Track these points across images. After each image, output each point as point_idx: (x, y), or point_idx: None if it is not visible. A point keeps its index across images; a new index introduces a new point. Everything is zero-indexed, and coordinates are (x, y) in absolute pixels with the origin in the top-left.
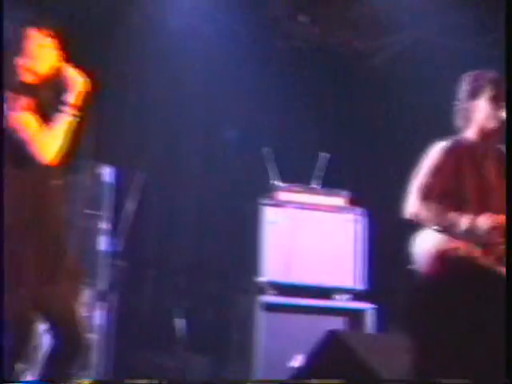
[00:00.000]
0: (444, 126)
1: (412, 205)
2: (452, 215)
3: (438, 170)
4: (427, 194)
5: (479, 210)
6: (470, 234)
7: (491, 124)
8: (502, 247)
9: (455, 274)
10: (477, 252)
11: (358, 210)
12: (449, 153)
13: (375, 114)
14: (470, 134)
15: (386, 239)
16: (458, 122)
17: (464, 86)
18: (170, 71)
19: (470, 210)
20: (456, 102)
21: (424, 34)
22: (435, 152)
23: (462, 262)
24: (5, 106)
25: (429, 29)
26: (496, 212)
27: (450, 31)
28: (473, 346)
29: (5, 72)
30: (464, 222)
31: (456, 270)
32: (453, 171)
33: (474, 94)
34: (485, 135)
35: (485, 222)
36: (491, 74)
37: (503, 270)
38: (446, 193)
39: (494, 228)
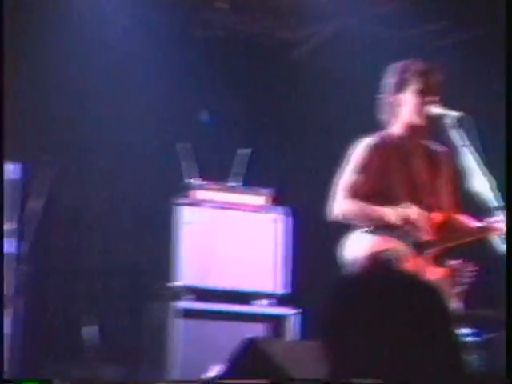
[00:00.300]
0: (370, 121)
1: (338, 205)
2: (379, 209)
3: (363, 168)
4: (353, 193)
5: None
6: (400, 230)
7: (418, 119)
8: (435, 248)
9: (382, 278)
10: (407, 253)
11: (281, 208)
12: (374, 149)
13: (299, 107)
14: (396, 129)
15: (313, 240)
16: (384, 116)
17: (389, 78)
18: (79, 63)
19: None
20: (381, 95)
21: (352, 23)
22: (360, 149)
23: (391, 266)
24: None
25: (357, 17)
26: (427, 209)
27: (381, 20)
28: (397, 354)
29: None
30: (392, 213)
31: (383, 274)
32: (380, 168)
33: (399, 87)
34: (411, 130)
35: (414, 212)
36: (418, 64)
37: (436, 270)
38: (374, 191)
39: (423, 221)
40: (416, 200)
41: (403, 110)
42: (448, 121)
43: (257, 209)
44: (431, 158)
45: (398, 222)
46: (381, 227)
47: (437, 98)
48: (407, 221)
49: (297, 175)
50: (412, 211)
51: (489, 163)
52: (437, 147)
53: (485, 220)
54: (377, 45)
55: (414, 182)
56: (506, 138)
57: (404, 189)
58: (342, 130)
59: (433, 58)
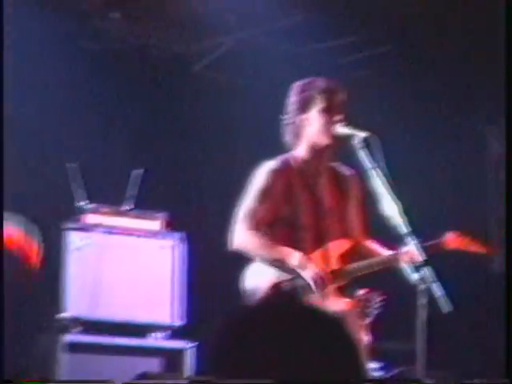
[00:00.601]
0: (276, 142)
1: (239, 236)
2: (281, 250)
3: (265, 195)
4: (255, 223)
5: (316, 236)
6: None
7: (324, 139)
8: (342, 278)
9: (282, 310)
10: (306, 287)
11: (177, 234)
12: (277, 174)
13: (200, 125)
14: (301, 151)
15: (211, 268)
16: (287, 137)
17: (292, 97)
18: None
19: (306, 237)
20: (285, 116)
21: (256, 36)
22: (262, 174)
23: (292, 297)
24: None
25: (261, 30)
26: (333, 236)
27: (286, 34)
28: None
29: None
30: (294, 259)
31: (283, 306)
32: (283, 194)
33: (303, 106)
34: (317, 152)
35: (314, 268)
36: (322, 82)
37: (341, 301)
38: (277, 219)
39: (322, 276)
40: (322, 229)
41: (308, 130)
42: (355, 141)
43: (151, 234)
44: (338, 182)
45: (298, 269)
46: None
47: (343, 117)
48: (307, 271)
49: (194, 198)
50: (313, 269)
51: (399, 185)
52: (344, 170)
53: (395, 247)
54: (282, 60)
55: (320, 208)
56: (507, 140)
57: (309, 215)
58: (245, 151)
59: (337, 75)
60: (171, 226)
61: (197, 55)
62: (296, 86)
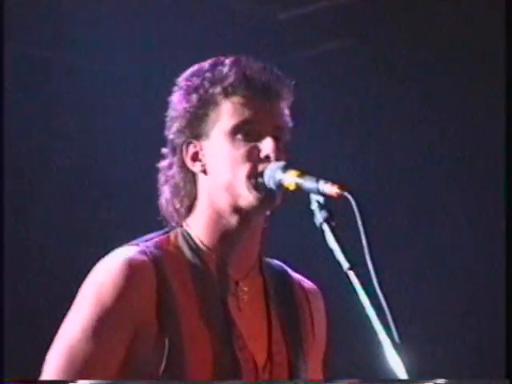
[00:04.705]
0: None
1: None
2: None
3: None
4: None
5: None
6: None
7: (240, 198)
8: None
9: None
10: None
11: None
12: (136, 275)
13: None
14: (195, 226)
15: None
16: (163, 197)
17: (175, 105)
18: None
19: None
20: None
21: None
22: (105, 275)
23: None
24: None
25: None
26: None
27: None
28: None
29: None
30: None
31: None
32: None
33: (193, 123)
34: (226, 230)
35: None
36: (234, 65)
37: None
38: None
39: None
40: None
41: (205, 179)
42: (311, 204)
43: None
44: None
45: None
46: None
47: (280, 144)
48: None
49: None
50: None
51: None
52: (288, 274)
53: None
54: None
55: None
56: (506, 138)
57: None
58: None
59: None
60: None
61: None
62: (181, 81)
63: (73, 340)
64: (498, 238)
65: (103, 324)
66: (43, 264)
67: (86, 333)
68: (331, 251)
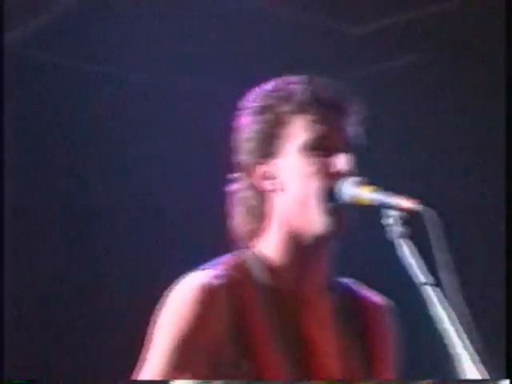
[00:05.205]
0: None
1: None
2: None
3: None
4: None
5: None
6: None
7: (316, 219)
8: None
9: None
10: None
11: None
12: (215, 297)
13: None
14: (268, 247)
15: None
16: (236, 220)
17: (246, 126)
18: None
19: None
20: (230, 174)
21: None
22: (186, 296)
23: None
24: None
25: None
26: None
27: None
28: None
29: None
30: None
31: None
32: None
33: (266, 143)
34: (299, 249)
35: None
36: (307, 85)
37: None
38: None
39: None
40: None
41: (280, 200)
42: (388, 219)
43: None
44: (347, 317)
45: None
46: None
47: (353, 158)
48: None
49: None
50: None
51: None
52: (362, 293)
53: None
54: None
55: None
56: (506, 139)
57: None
58: None
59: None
60: None
61: None
62: (250, 102)
63: (158, 372)
64: (497, 237)
65: (186, 355)
66: (43, 264)
67: (169, 365)
68: (402, 266)
